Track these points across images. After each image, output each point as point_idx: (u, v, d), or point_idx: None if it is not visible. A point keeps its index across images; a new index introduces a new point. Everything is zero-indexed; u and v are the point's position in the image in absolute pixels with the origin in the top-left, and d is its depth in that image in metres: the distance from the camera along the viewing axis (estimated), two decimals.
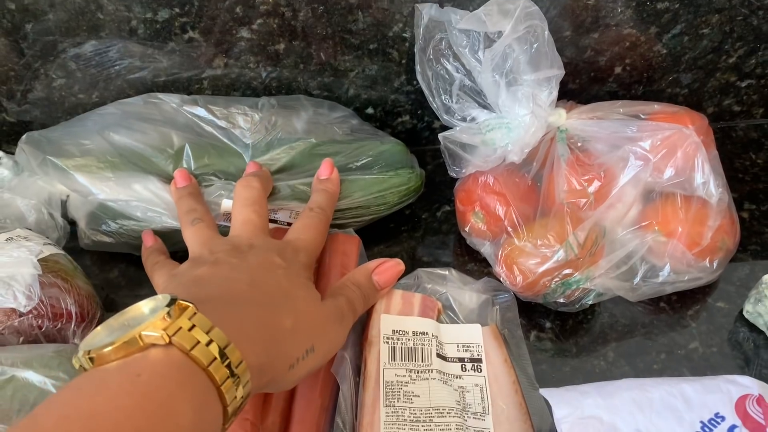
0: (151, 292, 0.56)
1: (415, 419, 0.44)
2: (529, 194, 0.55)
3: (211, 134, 0.57)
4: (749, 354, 0.51)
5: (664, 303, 0.54)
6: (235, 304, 0.38)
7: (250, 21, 0.57)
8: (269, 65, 0.60)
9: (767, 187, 0.63)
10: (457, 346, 0.50)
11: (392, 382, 0.46)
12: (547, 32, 0.51)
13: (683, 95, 0.66)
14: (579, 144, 0.55)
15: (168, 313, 0.32)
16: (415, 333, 0.49)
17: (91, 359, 0.31)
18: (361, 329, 0.50)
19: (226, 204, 0.54)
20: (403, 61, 0.61)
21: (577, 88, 0.65)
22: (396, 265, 0.50)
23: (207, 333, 0.32)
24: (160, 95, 0.58)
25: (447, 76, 0.56)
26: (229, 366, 0.33)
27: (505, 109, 0.53)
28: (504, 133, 0.53)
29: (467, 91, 0.56)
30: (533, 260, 0.51)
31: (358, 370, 0.48)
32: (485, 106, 0.55)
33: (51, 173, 0.55)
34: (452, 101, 0.56)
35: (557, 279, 0.50)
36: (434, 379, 0.47)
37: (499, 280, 0.54)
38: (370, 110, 0.65)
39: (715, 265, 0.52)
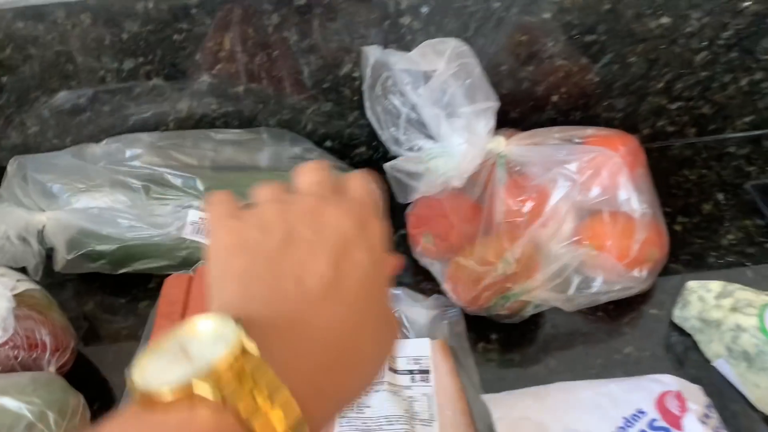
0: (125, 321, 0.61)
1: (366, 428, 0.48)
2: (473, 216, 0.59)
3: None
4: (680, 355, 0.55)
5: (602, 312, 0.58)
6: (288, 328, 0.29)
7: (210, 66, 0.62)
8: (230, 106, 0.65)
9: (699, 201, 0.67)
10: (408, 359, 0.54)
11: None
12: (478, 69, 0.56)
13: (619, 119, 0.71)
14: (517, 168, 0.59)
15: (234, 357, 0.25)
16: None
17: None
18: None
19: (192, 215, 0.59)
20: (355, 98, 0.66)
21: (519, 117, 0.70)
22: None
23: (268, 396, 0.25)
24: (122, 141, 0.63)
25: (394, 111, 0.61)
26: None
27: (446, 139, 0.58)
28: (445, 161, 0.58)
29: (413, 124, 0.61)
30: (475, 276, 0.55)
31: None
32: (430, 137, 0.60)
33: (31, 192, 0.59)
34: (400, 133, 0.61)
35: (498, 293, 0.55)
36: (385, 390, 0.50)
37: (448, 297, 0.58)
38: (328, 143, 0.70)
39: (644, 274, 0.56)
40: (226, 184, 0.63)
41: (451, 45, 0.54)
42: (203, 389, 0.24)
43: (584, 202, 0.56)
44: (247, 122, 0.67)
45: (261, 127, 0.67)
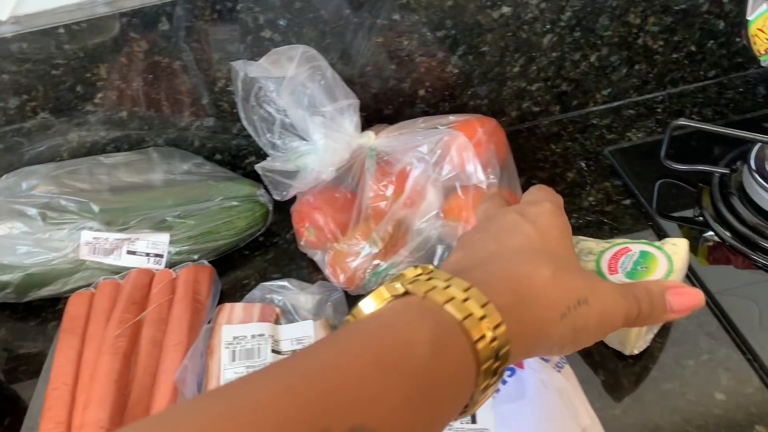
0: (35, 342, 0.64)
1: None
2: (348, 206, 0.64)
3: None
4: None
5: None
6: (483, 268, 0.38)
7: (91, 96, 0.66)
8: (118, 131, 0.70)
9: (564, 171, 0.73)
10: (291, 341, 0.58)
11: (231, 379, 0.54)
12: (329, 70, 0.61)
13: (485, 105, 0.77)
14: (385, 158, 0.65)
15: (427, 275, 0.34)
16: (253, 336, 0.58)
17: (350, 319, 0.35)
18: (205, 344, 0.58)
19: (86, 236, 0.63)
20: (234, 111, 0.71)
21: (393, 113, 0.75)
22: (695, 294, 0.42)
23: (464, 291, 0.33)
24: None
25: (269, 118, 0.65)
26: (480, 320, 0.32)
27: (313, 138, 0.63)
28: (314, 158, 0.63)
29: (287, 128, 0.66)
30: (349, 258, 0.60)
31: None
32: (302, 137, 0.65)
33: None
34: (275, 138, 0.65)
35: (369, 270, 0.59)
36: None
37: (331, 282, 0.62)
38: (218, 156, 0.75)
39: None
40: (122, 203, 0.68)
41: (300, 50, 0.59)
42: (392, 288, 0.34)
43: (438, 180, 0.61)
44: (136, 144, 0.71)
45: (150, 148, 0.71)
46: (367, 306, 0.34)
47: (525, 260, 0.38)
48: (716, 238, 0.62)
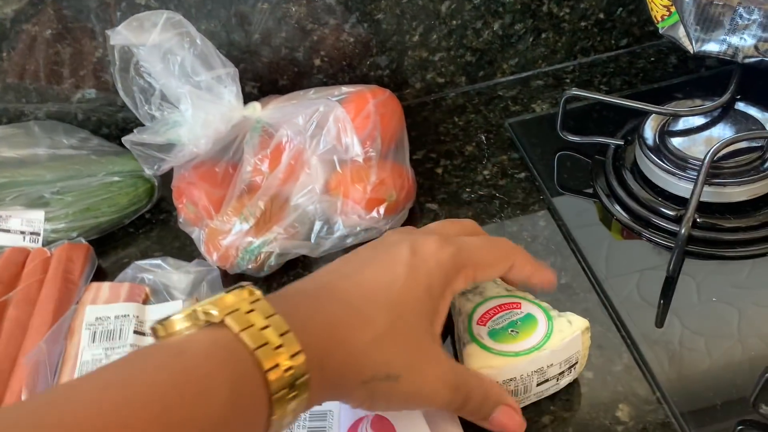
0: None
1: None
2: (227, 180, 0.62)
3: None
4: None
5: None
6: (314, 297, 0.37)
7: None
8: None
9: (462, 145, 0.71)
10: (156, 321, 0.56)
11: (88, 361, 0.52)
12: (200, 37, 0.58)
13: (387, 76, 0.74)
14: (270, 131, 0.62)
15: (234, 294, 0.33)
16: (117, 317, 0.55)
17: (159, 328, 0.33)
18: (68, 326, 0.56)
19: None
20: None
21: (289, 84, 0.72)
22: (518, 426, 0.42)
23: (266, 318, 0.32)
24: None
25: (149, 89, 0.62)
26: (280, 354, 0.31)
27: (188, 108, 0.60)
28: (188, 130, 0.60)
29: (166, 99, 0.63)
30: (221, 236, 0.58)
31: None
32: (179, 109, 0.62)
33: None
34: (154, 110, 0.62)
35: (241, 248, 0.57)
36: (127, 353, 0.53)
37: (207, 261, 0.60)
38: (105, 130, 0.71)
39: (382, 214, 0.59)
40: (7, 178, 0.65)
41: (164, 16, 0.56)
42: (209, 314, 0.31)
43: (315, 152, 0.58)
44: (15, 118, 0.68)
45: (30, 122, 0.68)
46: (179, 324, 0.33)
47: (360, 307, 0.37)
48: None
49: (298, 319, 0.33)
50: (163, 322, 0.33)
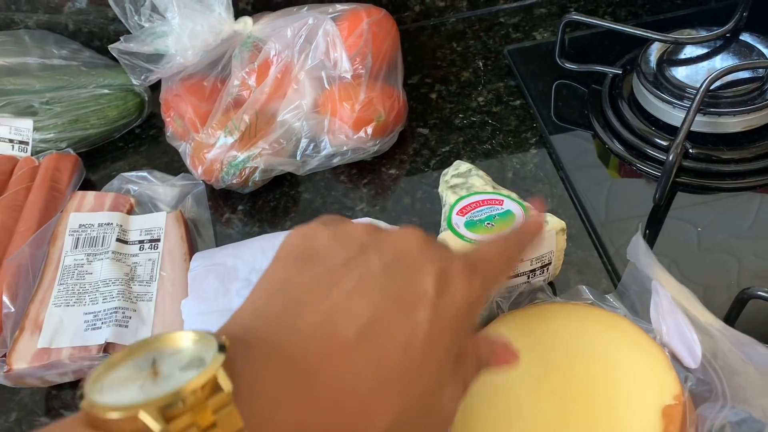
0: None
1: (83, 291, 0.51)
2: (215, 95, 0.61)
3: None
4: (419, 211, 0.58)
5: (344, 176, 0.61)
6: (304, 381, 0.24)
7: None
8: None
9: (459, 71, 0.69)
10: (140, 231, 0.56)
11: (70, 265, 0.53)
12: None
13: None
14: (260, 46, 0.61)
15: (198, 391, 0.21)
16: (100, 225, 0.55)
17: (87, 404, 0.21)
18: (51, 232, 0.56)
19: None
20: None
21: (283, 2, 0.70)
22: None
23: None
24: None
25: None
26: None
27: (177, 18, 0.59)
28: (175, 39, 0.59)
29: (156, 10, 0.61)
30: (206, 149, 0.57)
31: None
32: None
33: None
34: (143, 20, 0.61)
35: (225, 162, 0.57)
36: (109, 259, 0.53)
37: (193, 174, 0.60)
38: (96, 43, 0.70)
39: (370, 134, 0.58)
40: None
41: None
42: (148, 420, 0.21)
43: (303, 67, 0.57)
44: (5, 26, 0.67)
45: (21, 30, 0.67)
46: (113, 413, 0.21)
47: (367, 395, 0.25)
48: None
49: (278, 424, 0.23)
50: (92, 401, 0.21)
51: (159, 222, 0.57)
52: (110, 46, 0.58)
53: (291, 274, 0.27)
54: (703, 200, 0.54)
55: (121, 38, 0.58)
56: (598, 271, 0.51)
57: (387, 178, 0.61)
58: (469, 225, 0.47)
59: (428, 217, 0.56)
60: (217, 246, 0.56)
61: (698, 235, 0.51)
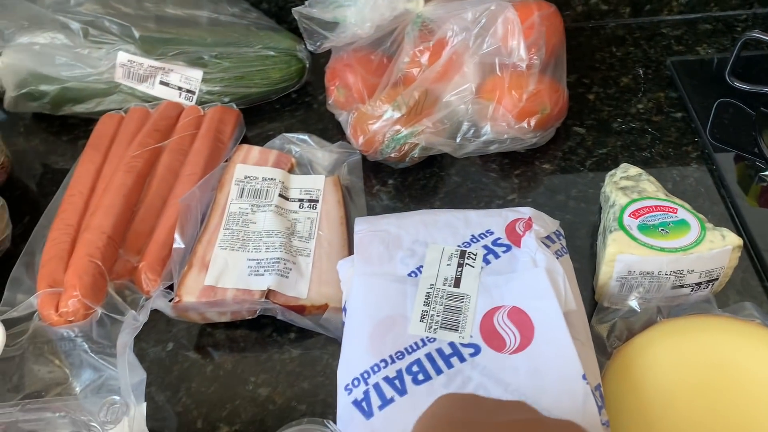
0: (63, 156, 0.67)
1: (246, 238, 0.53)
2: (382, 70, 0.62)
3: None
4: (562, 206, 0.58)
5: (496, 164, 0.61)
6: None
7: None
8: None
9: (618, 75, 0.69)
10: (300, 190, 0.58)
11: (235, 212, 0.55)
12: None
13: None
14: (429, 26, 0.62)
15: None
16: (264, 179, 0.58)
17: None
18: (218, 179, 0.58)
19: (122, 57, 0.63)
20: None
21: None
22: None
23: None
24: None
25: None
26: None
27: None
28: (353, 11, 0.60)
29: None
30: (371, 121, 0.59)
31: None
32: None
33: None
34: None
35: (388, 135, 0.58)
36: (272, 212, 0.55)
37: (351, 143, 0.62)
38: (264, 6, 0.73)
39: (532, 125, 0.58)
40: (163, 34, 0.68)
41: None
42: None
43: (478, 52, 0.58)
44: None
45: None
46: None
47: None
48: None
49: None
50: None
51: (318, 184, 0.58)
52: (294, 9, 0.60)
53: None
54: None
55: (306, 2, 0.60)
56: (759, 294, 0.50)
57: (540, 172, 0.61)
58: (642, 228, 0.46)
59: (582, 217, 0.56)
60: (368, 215, 0.57)
61: None
